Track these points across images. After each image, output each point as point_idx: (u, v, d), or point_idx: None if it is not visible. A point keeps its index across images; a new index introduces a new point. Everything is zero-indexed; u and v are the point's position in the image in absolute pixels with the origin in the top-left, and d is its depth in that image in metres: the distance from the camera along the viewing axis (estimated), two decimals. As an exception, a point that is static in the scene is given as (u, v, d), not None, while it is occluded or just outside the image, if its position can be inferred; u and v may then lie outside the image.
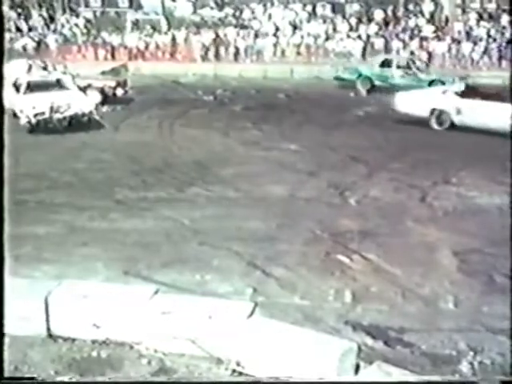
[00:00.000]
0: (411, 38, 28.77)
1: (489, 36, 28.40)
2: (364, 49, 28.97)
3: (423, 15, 30.42)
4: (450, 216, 10.92)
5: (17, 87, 18.06)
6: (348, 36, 29.84)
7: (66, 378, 5.94)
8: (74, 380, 5.95)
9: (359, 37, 29.61)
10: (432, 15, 30.34)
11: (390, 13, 30.87)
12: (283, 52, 30.13)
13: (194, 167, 13.69)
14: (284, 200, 11.66)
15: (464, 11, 30.32)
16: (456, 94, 17.62)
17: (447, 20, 29.89)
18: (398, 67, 24.20)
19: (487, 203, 11.54)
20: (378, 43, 28.92)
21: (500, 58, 27.30)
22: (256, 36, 30.95)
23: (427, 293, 8.01)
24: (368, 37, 29.24)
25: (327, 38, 30.06)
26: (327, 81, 25.87)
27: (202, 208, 11.06)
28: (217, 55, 30.65)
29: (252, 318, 6.30)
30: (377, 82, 24.14)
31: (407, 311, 7.57)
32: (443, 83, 21.71)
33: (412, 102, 17.99)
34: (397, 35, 29.11)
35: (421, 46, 28.16)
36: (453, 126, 17.27)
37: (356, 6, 31.91)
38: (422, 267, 8.70)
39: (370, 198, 11.79)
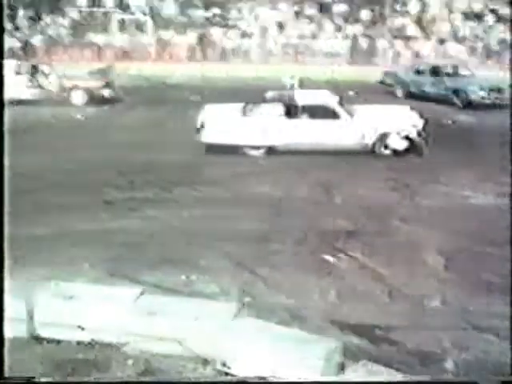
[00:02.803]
0: (397, 37, 28.87)
1: (475, 36, 28.58)
2: (351, 49, 29.05)
3: (409, 15, 30.54)
4: (437, 215, 10.99)
5: None
6: (335, 36, 29.91)
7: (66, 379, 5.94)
8: (73, 380, 5.94)
9: (346, 37, 29.69)
10: (418, 15, 30.46)
11: (376, 13, 30.98)
12: (270, 52, 30.17)
13: (180, 167, 13.69)
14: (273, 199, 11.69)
15: (451, 11, 30.46)
16: None
17: (434, 20, 30.02)
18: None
19: (477, 202, 11.68)
20: (364, 43, 28.99)
21: (487, 58, 27.51)
22: (243, 36, 30.97)
23: (413, 292, 8.04)
24: (355, 37, 29.32)
25: (314, 38, 30.12)
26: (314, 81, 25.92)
27: (189, 208, 11.05)
28: (204, 55, 30.64)
29: (238, 319, 6.31)
30: (412, 89, 23.03)
31: (393, 310, 7.60)
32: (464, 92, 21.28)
33: None
34: (383, 35, 29.21)
35: (406, 46, 28.29)
36: None
37: (343, 6, 31.97)
38: (408, 266, 8.75)
39: (357, 197, 11.84)
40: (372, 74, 25.66)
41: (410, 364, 6.40)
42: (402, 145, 14.74)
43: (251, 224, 10.17)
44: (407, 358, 6.53)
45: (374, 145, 14.67)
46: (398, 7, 31.18)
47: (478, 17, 29.82)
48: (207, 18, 33.11)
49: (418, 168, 13.80)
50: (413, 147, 14.77)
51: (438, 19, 29.94)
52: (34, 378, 5.76)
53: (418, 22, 29.96)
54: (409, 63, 25.87)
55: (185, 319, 6.19)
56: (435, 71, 22.64)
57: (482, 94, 20.74)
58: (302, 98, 15.01)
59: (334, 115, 14.61)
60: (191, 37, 31.11)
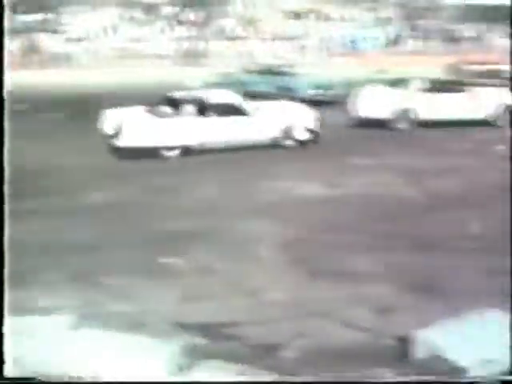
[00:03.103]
0: (225, 38, 29.35)
1: (299, 34, 29.66)
2: (180, 50, 29.19)
3: (236, 16, 31.13)
4: (273, 208, 11.38)
5: None
6: (164, 38, 29.93)
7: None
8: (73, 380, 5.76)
9: (175, 38, 29.79)
10: (245, 15, 31.11)
11: (204, 14, 31.30)
12: (98, 56, 29.69)
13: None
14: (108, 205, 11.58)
15: (276, 11, 31.36)
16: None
17: (260, 20, 30.80)
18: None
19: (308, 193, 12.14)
20: (193, 45, 29.24)
21: (315, 55, 28.65)
22: (70, 40, 30.24)
23: (253, 286, 8.31)
24: (183, 38, 29.49)
25: (141, 41, 29.95)
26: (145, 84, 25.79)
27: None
28: (29, 62, 29.58)
29: (78, 330, 6.25)
30: (247, 89, 22.10)
31: (235, 305, 7.80)
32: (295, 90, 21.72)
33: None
34: (211, 36, 29.59)
35: (234, 46, 28.83)
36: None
37: (171, 8, 32.05)
38: (247, 262, 9.02)
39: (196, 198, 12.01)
40: (202, 74, 26.00)
41: (254, 357, 6.62)
42: (305, 136, 15.81)
43: (87, 232, 10.04)
44: (251, 352, 6.75)
45: (279, 138, 15.69)
46: (224, 8, 31.64)
47: (302, 16, 30.93)
48: (33, 23, 31.99)
49: (246, 164, 14.14)
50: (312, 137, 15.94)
51: (263, 19, 30.74)
52: (34, 378, 5.59)
53: (245, 22, 30.61)
54: (243, 63, 26.24)
55: (19, 337, 6.03)
56: (267, 71, 23.14)
57: (312, 91, 21.48)
58: (211, 97, 15.55)
59: (241, 112, 15.25)
60: (15, 43, 29.94)
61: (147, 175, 13.45)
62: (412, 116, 17.99)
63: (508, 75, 22.78)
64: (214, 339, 6.99)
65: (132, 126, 14.68)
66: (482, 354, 6.03)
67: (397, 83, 19.12)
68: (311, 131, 15.99)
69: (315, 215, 11.10)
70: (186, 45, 29.25)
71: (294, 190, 12.39)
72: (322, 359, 6.63)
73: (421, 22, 31.21)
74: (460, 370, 5.82)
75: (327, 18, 30.96)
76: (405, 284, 8.46)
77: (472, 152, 15.30)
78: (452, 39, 30.39)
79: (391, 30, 30.58)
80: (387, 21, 31.13)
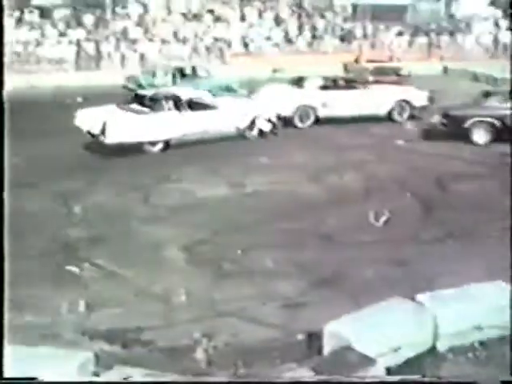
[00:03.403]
0: (120, 40, 28.94)
1: (196, 35, 29.61)
2: (77, 54, 28.56)
3: (131, 18, 30.76)
4: (173, 211, 11.31)
5: None
6: (58, 42, 29.22)
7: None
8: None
9: (70, 42, 29.14)
10: (140, 17, 30.79)
11: (98, 16, 30.76)
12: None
13: None
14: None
15: (170, 12, 31.20)
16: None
17: (155, 22, 30.55)
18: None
19: (206, 195, 12.14)
20: (90, 48, 28.68)
21: (208, 57, 28.66)
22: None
23: (160, 290, 8.25)
24: (78, 41, 28.88)
25: (37, 45, 29.15)
26: (42, 89, 25.13)
27: None
28: None
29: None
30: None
31: (142, 311, 7.72)
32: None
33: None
34: (107, 38, 29.11)
35: (131, 49, 28.48)
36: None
37: (64, 11, 31.33)
38: (152, 266, 8.93)
39: (96, 205, 11.78)
40: (101, 78, 25.59)
41: (163, 361, 6.57)
42: (267, 127, 16.77)
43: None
44: (159, 356, 6.70)
45: (245, 129, 16.55)
46: (119, 10, 31.22)
47: (197, 17, 30.91)
48: None
49: (151, 168, 14.00)
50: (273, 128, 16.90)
51: (158, 21, 30.52)
52: (33, 378, 5.42)
53: (140, 24, 30.30)
54: (146, 66, 25.57)
55: None
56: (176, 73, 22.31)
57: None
58: (185, 93, 16.31)
59: (211, 107, 16.07)
60: None
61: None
62: (311, 113, 18.26)
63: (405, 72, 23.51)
64: (124, 345, 6.89)
65: (118, 123, 15.03)
66: (390, 342, 6.19)
67: (295, 82, 19.42)
68: (272, 123, 16.93)
69: (219, 215, 11.11)
70: (82, 48, 28.58)
71: (197, 192, 12.35)
72: (235, 358, 6.64)
73: (317, 21, 31.74)
74: (369, 360, 5.95)
75: (224, 19, 31.05)
76: (312, 279, 8.59)
77: (372, 147, 15.69)
78: (348, 38, 31.07)
79: (288, 30, 30.96)
80: (284, 20, 31.51)
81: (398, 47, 30.15)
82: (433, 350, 6.47)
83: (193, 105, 15.85)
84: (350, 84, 19.53)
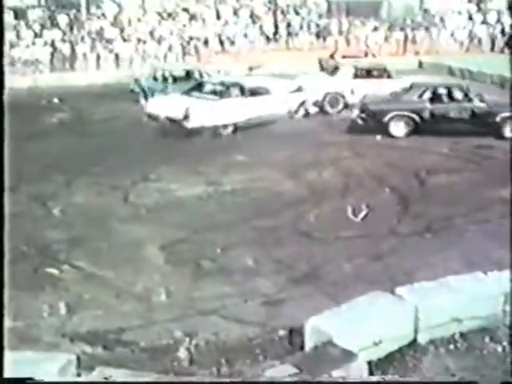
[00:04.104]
0: (96, 40, 28.71)
1: (171, 34, 29.48)
2: (52, 55, 28.33)
3: (106, 17, 30.54)
4: (154, 211, 11.28)
5: None
6: (33, 43, 28.97)
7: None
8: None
9: (45, 43, 28.89)
10: (115, 17, 30.58)
11: (73, 17, 30.51)
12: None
13: None
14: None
15: (145, 12, 31.02)
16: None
17: (130, 21, 30.36)
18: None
19: (183, 194, 12.11)
20: (65, 48, 28.45)
21: (184, 55, 28.54)
22: None
23: (140, 290, 8.22)
24: (53, 42, 28.63)
25: (12, 46, 28.87)
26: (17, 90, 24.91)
27: None
28: None
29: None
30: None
31: (123, 311, 7.71)
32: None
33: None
34: (82, 39, 28.89)
35: (106, 48, 28.26)
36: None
37: (38, 12, 31.05)
38: (131, 266, 8.90)
39: (74, 206, 11.71)
40: (76, 78, 25.46)
41: (145, 361, 6.56)
42: (314, 110, 18.29)
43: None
44: (141, 356, 6.68)
45: (295, 111, 17.84)
46: (94, 10, 30.99)
47: (173, 16, 30.77)
48: None
49: (127, 168, 13.91)
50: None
51: (134, 20, 30.33)
52: (33, 378, 5.34)
53: (116, 24, 30.09)
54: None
55: None
56: (165, 77, 21.24)
57: None
58: (246, 81, 18.35)
59: (266, 93, 17.58)
60: None
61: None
62: (341, 100, 19.25)
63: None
64: (105, 346, 6.86)
65: (199, 109, 16.60)
66: (372, 336, 6.22)
67: (330, 71, 20.83)
68: (318, 106, 18.47)
69: (197, 214, 11.10)
70: (57, 48, 28.33)
71: (175, 191, 12.32)
72: (217, 356, 6.65)
73: (292, 18, 31.75)
74: (350, 355, 5.98)
75: (200, 17, 30.96)
76: (292, 276, 8.61)
77: (350, 143, 15.74)
78: (323, 34, 31.12)
79: (263, 27, 30.93)
80: (259, 18, 31.47)
81: (373, 43, 30.25)
82: (414, 342, 6.51)
83: (252, 91, 17.45)
84: (378, 74, 20.40)
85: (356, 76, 20.26)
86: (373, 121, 16.46)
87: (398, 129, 16.18)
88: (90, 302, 7.95)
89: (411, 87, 16.85)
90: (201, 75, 20.78)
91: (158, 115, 16.99)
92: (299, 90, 18.61)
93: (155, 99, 18.40)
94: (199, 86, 18.29)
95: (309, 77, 20.58)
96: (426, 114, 16.07)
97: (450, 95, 16.34)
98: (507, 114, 15.68)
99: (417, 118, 16.11)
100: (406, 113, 16.15)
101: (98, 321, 7.46)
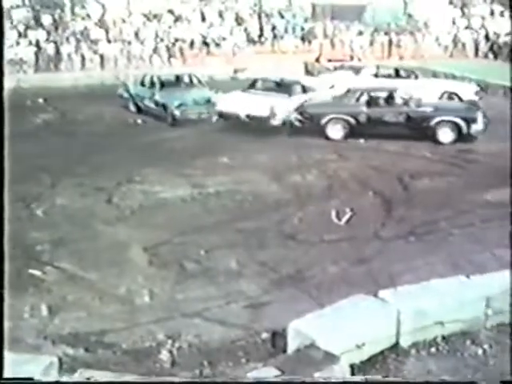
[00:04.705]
0: (80, 41, 28.59)
1: (156, 36, 29.44)
2: (36, 55, 28.20)
3: (91, 18, 30.43)
4: (138, 213, 11.25)
5: None
6: (18, 43, 28.82)
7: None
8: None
9: (30, 43, 28.76)
10: (100, 18, 30.49)
11: (57, 17, 30.38)
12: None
13: None
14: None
15: (130, 13, 30.96)
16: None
17: (115, 22, 30.28)
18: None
19: (167, 196, 12.09)
20: (50, 49, 28.32)
21: (169, 57, 28.49)
22: None
23: (123, 292, 8.20)
24: (38, 42, 28.49)
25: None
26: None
27: None
28: None
29: None
30: (138, 103, 20.00)
31: (105, 313, 7.68)
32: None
33: None
34: (67, 39, 28.77)
35: (91, 49, 28.17)
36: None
37: (23, 12, 30.89)
38: (115, 268, 8.87)
39: (58, 207, 11.65)
40: (61, 79, 25.35)
41: (127, 363, 6.54)
42: None
43: None
44: (123, 358, 6.66)
45: None
46: (78, 11, 30.87)
47: (158, 17, 30.73)
48: None
49: (111, 169, 13.86)
50: None
51: (119, 21, 30.25)
52: (33, 378, 5.41)
53: (100, 24, 29.99)
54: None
55: None
56: (153, 83, 19.97)
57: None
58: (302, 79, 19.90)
59: (312, 89, 18.65)
60: None
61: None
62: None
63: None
64: (87, 348, 6.84)
65: (282, 107, 17.24)
66: (354, 339, 6.23)
67: (355, 70, 21.29)
68: None
69: (182, 216, 11.09)
70: (41, 49, 28.19)
71: (159, 193, 12.30)
72: (199, 358, 6.65)
73: (277, 22, 31.80)
74: (333, 358, 5.99)
75: (184, 19, 30.93)
76: (275, 278, 8.61)
77: (335, 146, 15.79)
78: (308, 37, 31.20)
79: (249, 30, 30.97)
80: (244, 21, 31.49)
81: (358, 47, 30.36)
82: (396, 345, 6.54)
83: (306, 88, 18.55)
84: (400, 74, 21.02)
85: (377, 75, 21.00)
86: (311, 123, 16.75)
87: (335, 131, 16.48)
88: (72, 303, 7.92)
89: (349, 91, 17.12)
90: (191, 80, 20.56)
91: (237, 113, 17.67)
92: (332, 87, 19.32)
93: (229, 98, 18.56)
94: (253, 85, 18.95)
95: (337, 75, 21.38)
96: (362, 118, 16.34)
97: (387, 99, 16.62)
98: (442, 119, 15.89)
99: (353, 121, 16.38)
100: (342, 116, 16.44)
101: (81, 322, 7.43)
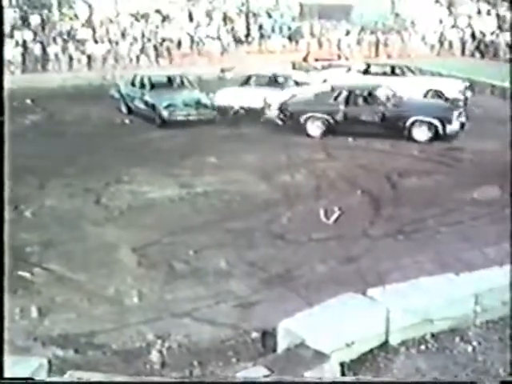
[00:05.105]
0: (67, 41, 28.48)
1: (143, 35, 29.41)
2: (23, 55, 28.08)
3: (78, 18, 30.34)
4: (126, 214, 11.23)
5: None
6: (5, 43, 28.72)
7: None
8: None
9: (17, 44, 28.64)
10: (88, 18, 30.41)
11: (44, 17, 30.27)
12: None
13: None
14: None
15: (118, 13, 30.90)
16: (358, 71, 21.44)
17: (102, 22, 30.21)
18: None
19: (155, 196, 12.08)
20: (37, 49, 28.20)
21: (157, 57, 28.45)
22: None
23: (112, 293, 8.18)
24: (25, 43, 28.37)
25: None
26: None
27: None
28: None
29: None
30: (129, 104, 19.69)
31: (95, 314, 7.66)
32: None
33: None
34: (54, 39, 28.65)
35: (78, 49, 28.07)
36: None
37: (11, 12, 30.76)
38: (104, 269, 8.85)
39: (46, 208, 11.61)
40: (48, 79, 25.25)
41: (117, 364, 6.53)
42: None
43: None
44: (113, 359, 6.65)
45: None
46: (66, 11, 30.77)
47: (146, 17, 30.68)
48: None
49: (99, 170, 13.80)
50: None
51: (106, 21, 30.18)
52: (33, 378, 5.40)
53: (88, 24, 29.90)
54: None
55: None
56: (143, 84, 19.63)
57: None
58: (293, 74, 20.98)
59: (307, 84, 19.68)
60: None
61: None
62: None
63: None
64: (77, 350, 6.82)
65: (275, 99, 17.92)
66: (344, 337, 6.25)
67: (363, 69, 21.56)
68: None
69: (170, 216, 11.08)
70: (28, 49, 28.05)
71: (148, 193, 12.27)
72: (189, 358, 6.65)
73: (265, 21, 31.83)
74: (323, 356, 6.00)
75: (171, 19, 30.91)
76: (265, 278, 8.63)
77: (323, 145, 15.82)
78: (296, 37, 31.23)
79: (236, 30, 30.96)
80: (232, 20, 31.49)
81: (345, 46, 30.42)
82: (385, 343, 6.56)
83: (300, 83, 19.62)
84: (395, 71, 21.45)
85: (366, 72, 21.48)
86: (291, 121, 17.00)
87: (314, 129, 16.72)
88: (61, 305, 7.90)
89: (333, 89, 17.24)
90: (182, 81, 20.46)
91: (233, 106, 18.85)
92: (325, 81, 20.15)
93: (226, 92, 19.53)
94: (248, 80, 19.85)
95: (328, 71, 22.05)
96: (340, 116, 16.52)
97: (367, 98, 16.76)
98: (417, 119, 15.97)
99: (330, 119, 16.58)
100: (320, 114, 16.65)
101: (70, 324, 7.42)
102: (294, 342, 6.21)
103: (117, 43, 28.82)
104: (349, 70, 22.13)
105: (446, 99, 19.20)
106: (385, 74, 21.31)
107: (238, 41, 30.77)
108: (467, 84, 20.72)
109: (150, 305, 7.87)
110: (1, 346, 5.45)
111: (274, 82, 19.87)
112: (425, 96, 19.73)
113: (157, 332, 7.10)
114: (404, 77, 20.74)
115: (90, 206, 11.63)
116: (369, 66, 22.23)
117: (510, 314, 6.93)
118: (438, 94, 19.80)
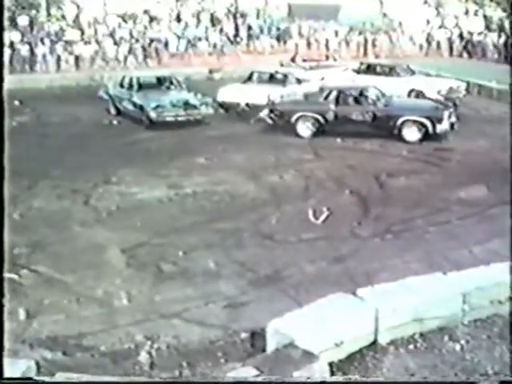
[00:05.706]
0: (55, 42, 28.36)
1: (131, 36, 29.34)
2: (11, 56, 27.93)
3: (66, 19, 30.24)
4: (115, 215, 11.20)
5: None
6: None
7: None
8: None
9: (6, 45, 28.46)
10: (76, 19, 30.32)
11: (32, 18, 30.13)
12: None
13: None
14: None
15: (106, 13, 30.84)
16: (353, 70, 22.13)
17: (90, 24, 30.14)
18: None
19: (144, 197, 12.06)
20: (24, 50, 28.04)
21: (145, 58, 28.38)
22: None
23: (101, 294, 8.16)
24: (12, 44, 28.21)
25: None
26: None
27: None
28: None
29: None
30: (117, 105, 19.54)
31: (83, 316, 7.64)
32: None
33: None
34: (42, 40, 28.52)
35: (66, 50, 27.95)
36: None
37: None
38: (92, 270, 8.82)
39: (34, 209, 11.56)
40: (36, 80, 25.14)
41: (105, 366, 6.52)
42: None
43: None
44: (102, 361, 6.63)
45: None
46: (54, 12, 30.65)
47: (133, 18, 30.63)
48: None
49: (88, 171, 13.73)
50: None
51: (94, 22, 30.10)
52: (33, 378, 5.35)
53: (76, 25, 29.81)
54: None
55: None
56: (131, 85, 19.41)
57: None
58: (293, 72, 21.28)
59: (307, 81, 20.20)
60: None
61: None
62: None
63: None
64: (65, 352, 6.80)
65: (279, 95, 18.66)
66: (333, 337, 6.26)
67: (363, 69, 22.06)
68: None
69: (159, 217, 11.05)
70: (16, 50, 27.89)
71: (136, 194, 12.24)
72: (178, 359, 6.64)
73: (253, 21, 31.86)
74: (312, 356, 6.01)
75: (159, 20, 30.87)
76: (254, 278, 8.62)
77: (311, 145, 15.83)
78: (284, 37, 31.25)
79: (224, 30, 30.95)
80: (220, 21, 31.48)
81: (334, 46, 30.47)
82: (374, 343, 6.57)
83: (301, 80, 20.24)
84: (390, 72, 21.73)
85: (358, 72, 22.05)
86: (281, 121, 16.98)
87: (304, 129, 16.70)
88: (50, 306, 7.86)
89: (321, 89, 17.37)
90: (171, 82, 20.36)
91: (237, 103, 19.22)
92: (322, 79, 20.71)
93: (229, 89, 19.92)
94: (250, 77, 20.38)
95: (324, 70, 22.41)
96: (330, 116, 16.52)
97: (357, 98, 16.82)
98: (407, 118, 16.00)
99: (321, 119, 16.57)
100: (311, 114, 16.64)
101: (59, 326, 7.38)
102: (282, 342, 6.21)
103: (104, 44, 28.72)
104: (346, 69, 22.54)
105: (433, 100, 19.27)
106: (390, 72, 21.59)
107: (226, 41, 30.73)
108: (461, 84, 20.92)
109: (139, 306, 7.85)
110: (1, 347, 5.43)
111: (275, 79, 20.33)
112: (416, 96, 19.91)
113: (146, 333, 7.09)
114: (403, 77, 21.10)
115: (78, 207, 11.59)
116: (369, 66, 22.56)
117: (510, 312, 6.98)
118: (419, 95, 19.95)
